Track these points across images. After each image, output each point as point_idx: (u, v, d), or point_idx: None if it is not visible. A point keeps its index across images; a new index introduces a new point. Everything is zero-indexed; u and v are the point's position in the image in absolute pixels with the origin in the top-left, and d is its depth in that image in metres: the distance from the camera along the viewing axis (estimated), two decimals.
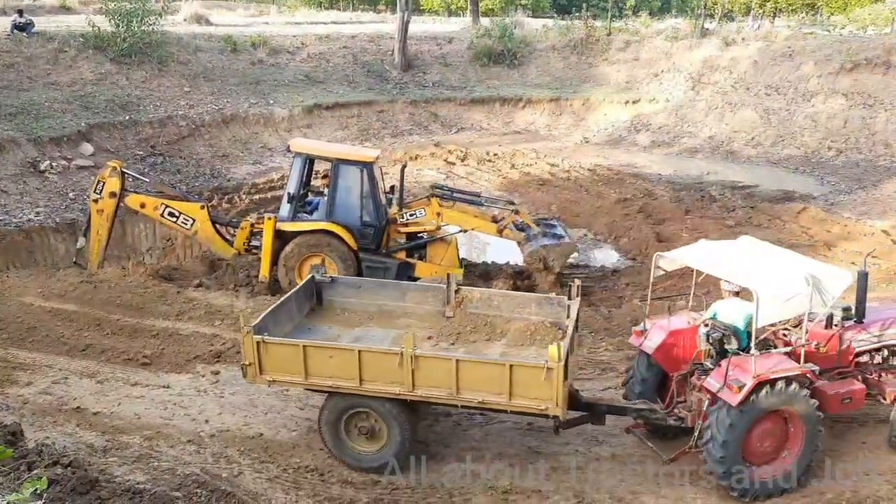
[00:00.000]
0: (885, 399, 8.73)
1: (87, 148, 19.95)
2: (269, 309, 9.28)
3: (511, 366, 7.83)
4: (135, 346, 11.36)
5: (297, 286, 10.20)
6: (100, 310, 12.38)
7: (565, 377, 7.82)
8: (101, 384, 10.49)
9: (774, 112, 26.68)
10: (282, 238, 13.22)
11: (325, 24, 37.44)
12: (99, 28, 24.34)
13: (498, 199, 15.68)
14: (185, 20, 32.53)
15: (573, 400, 8.55)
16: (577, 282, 9.49)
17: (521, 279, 14.52)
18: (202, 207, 13.61)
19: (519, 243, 14.27)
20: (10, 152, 18.35)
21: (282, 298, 9.80)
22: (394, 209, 14.02)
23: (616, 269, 15.99)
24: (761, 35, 31.86)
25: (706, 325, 8.26)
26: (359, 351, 8.21)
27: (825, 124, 25.27)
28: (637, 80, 31.41)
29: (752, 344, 7.69)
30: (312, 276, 10.33)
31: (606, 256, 17.01)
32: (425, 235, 14.05)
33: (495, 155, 24.55)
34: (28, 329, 11.82)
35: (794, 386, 7.68)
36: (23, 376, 10.58)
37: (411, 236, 14.02)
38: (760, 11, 44.36)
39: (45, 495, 3.91)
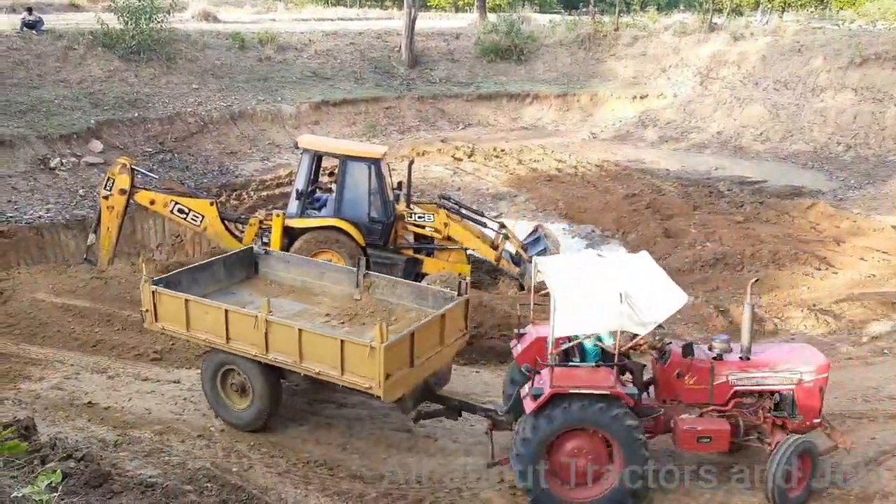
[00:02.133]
0: (770, 447, 7.85)
1: (97, 145, 20.07)
2: (187, 268, 10.44)
3: (342, 341, 8.21)
4: (145, 341, 11.43)
5: (229, 253, 11.17)
6: (110, 306, 12.46)
7: (410, 363, 8.24)
8: (112, 379, 10.58)
9: (783, 107, 26.58)
10: (290, 235, 13.26)
11: (332, 20, 37.45)
12: (108, 25, 24.44)
13: (490, 218, 15.45)
14: (192, 17, 32.59)
15: (428, 392, 8.96)
16: (467, 278, 9.94)
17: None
18: (212, 204, 13.67)
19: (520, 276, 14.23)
20: (20, 149, 18.47)
21: (206, 261, 10.88)
22: (402, 205, 14.05)
23: None
24: (770, 30, 31.72)
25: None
26: (225, 310, 8.87)
27: (834, 119, 25.17)
28: (645, 75, 31.34)
29: (551, 354, 7.42)
30: (251, 248, 11.12)
31: (614, 252, 16.97)
32: (435, 240, 14.02)
33: (502, 151, 24.55)
34: (40, 325, 11.91)
35: (599, 405, 7.18)
36: (35, 371, 10.68)
37: (420, 237, 14.05)
38: (769, 6, 44.12)
39: (59, 488, 3.95)
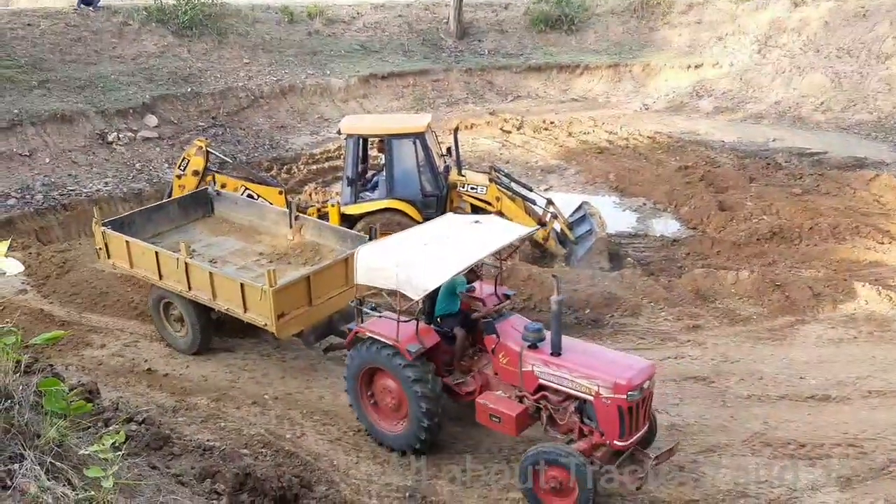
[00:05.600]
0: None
1: (152, 119, 20.47)
2: (142, 209, 12.02)
3: (241, 283, 9.29)
4: None
5: (185, 195, 12.46)
6: None
7: (309, 302, 9.26)
8: (170, 347, 10.90)
9: (846, 75, 25.53)
10: (348, 221, 13.19)
11: None
12: (161, 1, 24.81)
13: (539, 193, 15.17)
14: None
15: (332, 327, 9.90)
16: (378, 225, 10.82)
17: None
18: (280, 192, 13.59)
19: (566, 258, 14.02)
20: (79, 124, 18.98)
21: (159, 203, 12.32)
22: (453, 174, 13.92)
23: (676, 239, 15.66)
24: None
25: None
26: (155, 252, 10.06)
27: None
28: (700, 43, 30.41)
29: (357, 297, 8.50)
30: (206, 189, 12.41)
31: (666, 226, 16.65)
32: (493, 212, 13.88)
33: (552, 123, 24.18)
34: (100, 294, 12.31)
35: (378, 348, 8.05)
36: (97, 339, 11.07)
37: (475, 207, 13.96)
38: None
39: (122, 448, 4.09)
